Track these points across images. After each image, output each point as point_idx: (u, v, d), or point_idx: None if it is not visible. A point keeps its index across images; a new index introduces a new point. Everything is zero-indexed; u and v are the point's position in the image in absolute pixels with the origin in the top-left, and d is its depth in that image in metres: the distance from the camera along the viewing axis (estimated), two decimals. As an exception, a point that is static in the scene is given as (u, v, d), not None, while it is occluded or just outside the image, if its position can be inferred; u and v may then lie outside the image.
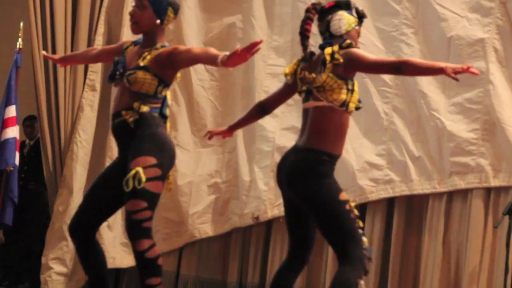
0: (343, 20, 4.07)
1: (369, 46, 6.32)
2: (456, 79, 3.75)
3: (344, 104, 3.93)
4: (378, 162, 6.19)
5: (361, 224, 3.90)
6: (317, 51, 4.10)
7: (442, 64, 3.77)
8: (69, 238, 6.83)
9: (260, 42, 3.70)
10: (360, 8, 4.20)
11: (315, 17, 4.09)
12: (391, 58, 3.85)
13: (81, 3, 7.15)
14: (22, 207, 7.35)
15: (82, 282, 6.94)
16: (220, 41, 7.10)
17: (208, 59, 3.94)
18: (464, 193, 5.82)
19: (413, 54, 6.14)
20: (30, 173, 7.68)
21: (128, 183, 3.89)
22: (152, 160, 3.94)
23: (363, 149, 6.24)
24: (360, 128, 6.31)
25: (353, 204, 3.90)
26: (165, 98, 4.15)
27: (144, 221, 3.88)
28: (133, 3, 4.22)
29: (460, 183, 5.81)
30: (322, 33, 4.12)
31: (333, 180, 3.92)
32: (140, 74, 4.06)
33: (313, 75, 3.94)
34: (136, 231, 3.87)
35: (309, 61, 4.05)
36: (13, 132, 6.54)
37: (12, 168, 6.49)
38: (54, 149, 7.06)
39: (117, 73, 4.14)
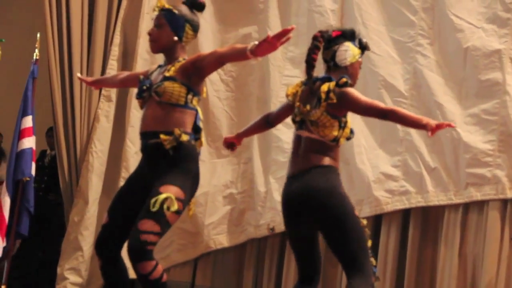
0: (349, 51, 4.11)
1: (385, 57, 6.32)
2: (430, 135, 3.81)
3: (335, 139, 4.00)
4: (393, 173, 6.18)
5: (369, 243, 3.96)
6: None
7: (424, 121, 3.83)
8: (84, 248, 6.91)
9: (291, 29, 3.66)
10: (364, 40, 4.22)
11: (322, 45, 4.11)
12: (381, 104, 3.94)
13: (97, 14, 7.19)
14: (42, 217, 7.37)
15: (97, 293, 6.97)
16: (235, 52, 7.12)
17: (236, 54, 3.89)
18: (480, 205, 5.79)
19: (429, 65, 6.14)
20: (50, 184, 7.71)
21: (156, 203, 3.84)
22: (182, 195, 3.91)
23: (378, 160, 6.23)
24: (375, 139, 6.30)
25: (365, 222, 3.97)
26: (196, 110, 4.11)
27: (150, 244, 3.83)
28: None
29: (476, 195, 5.79)
30: (326, 61, 4.16)
31: (347, 195, 3.97)
32: (167, 84, 4.03)
33: (308, 107, 4.00)
34: (140, 252, 3.81)
35: (311, 87, 4.08)
36: (29, 142, 6.54)
37: (28, 179, 6.50)
38: (70, 160, 7.09)
39: (144, 87, 4.10)
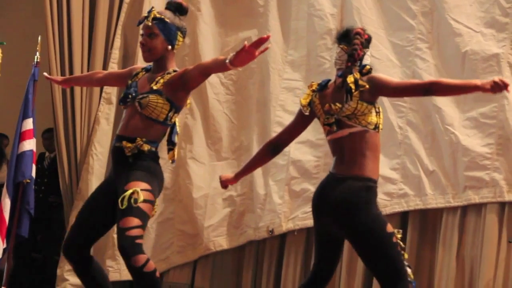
0: (368, 57, 4.13)
1: (384, 61, 6.35)
2: (502, 91, 3.69)
3: (376, 126, 3.98)
4: (392, 176, 6.21)
5: (406, 256, 3.92)
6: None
7: (478, 82, 3.74)
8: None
9: (268, 38, 3.71)
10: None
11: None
12: (416, 80, 3.94)
13: (98, 17, 7.22)
14: (42, 219, 7.39)
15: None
16: (235, 55, 7.15)
17: (218, 65, 3.97)
18: (478, 208, 5.82)
19: (428, 69, 6.17)
20: (50, 186, 7.73)
21: (123, 201, 3.93)
22: (147, 186, 4.01)
23: (377, 163, 6.25)
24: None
25: (399, 236, 3.92)
26: (174, 125, 4.20)
27: (137, 238, 3.90)
28: (141, 32, 4.24)
29: (474, 198, 5.82)
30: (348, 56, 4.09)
31: (380, 211, 3.93)
32: (153, 98, 4.09)
33: (338, 105, 3.97)
34: (131, 247, 3.88)
35: (325, 90, 4.08)
36: (30, 144, 6.57)
37: (28, 181, 6.53)
38: (70, 162, 7.11)
39: (130, 96, 4.16)
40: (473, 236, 5.82)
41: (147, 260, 3.90)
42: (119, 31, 7.25)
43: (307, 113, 4.17)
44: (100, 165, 7.10)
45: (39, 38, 6.68)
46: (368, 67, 4.04)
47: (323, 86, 4.12)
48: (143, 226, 3.94)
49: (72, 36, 7.11)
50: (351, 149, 3.95)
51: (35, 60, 6.65)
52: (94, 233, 4.17)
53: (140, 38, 4.26)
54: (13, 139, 6.66)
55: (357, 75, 3.98)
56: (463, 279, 5.82)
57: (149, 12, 4.25)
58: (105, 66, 7.20)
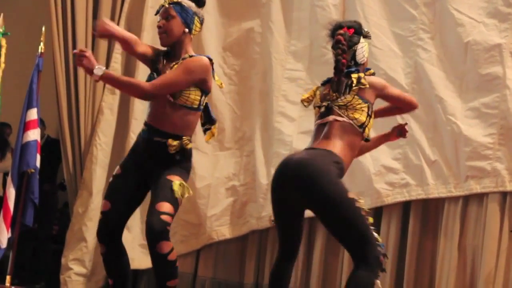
0: (364, 47, 4.18)
1: (386, 51, 6.37)
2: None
3: (363, 126, 4.00)
4: (394, 166, 6.23)
5: (371, 220, 3.86)
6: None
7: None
8: (88, 239, 6.98)
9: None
10: (366, 29, 4.25)
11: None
12: (410, 97, 4.20)
13: (102, 8, 7.24)
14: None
15: (101, 283, 7.03)
16: (238, 45, 7.17)
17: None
18: (480, 197, 5.84)
19: (430, 59, 6.18)
20: (44, 174, 7.72)
21: (173, 187, 3.97)
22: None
23: (379, 153, 6.26)
24: (376, 132, 6.31)
25: (361, 201, 3.85)
26: (206, 106, 4.23)
27: (168, 224, 3.92)
28: (159, 18, 4.21)
29: (476, 187, 5.84)
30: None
31: (341, 182, 3.90)
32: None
33: (336, 94, 4.03)
34: (161, 232, 3.88)
35: (338, 79, 4.09)
36: (34, 134, 6.59)
37: (33, 170, 6.56)
38: (74, 152, 7.15)
39: None
40: (475, 225, 5.84)
41: (172, 249, 3.92)
42: (123, 21, 7.28)
43: (307, 107, 4.27)
44: (104, 155, 7.14)
45: (43, 28, 6.70)
46: (372, 71, 4.16)
47: (326, 82, 4.19)
48: (173, 217, 3.97)
49: (76, 27, 7.14)
50: (330, 132, 3.99)
51: (39, 50, 6.67)
52: (125, 215, 4.15)
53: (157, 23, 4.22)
54: (17, 129, 6.67)
55: (362, 75, 4.05)
56: (464, 269, 5.84)
57: None
58: (108, 57, 7.24)
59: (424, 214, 6.14)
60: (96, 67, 3.93)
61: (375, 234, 3.84)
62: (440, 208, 6.06)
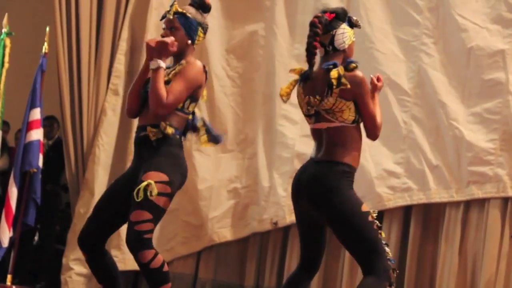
0: (346, 33, 4.04)
1: (390, 56, 6.38)
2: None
3: (355, 120, 3.96)
4: (396, 170, 6.24)
5: (383, 235, 3.90)
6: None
7: None
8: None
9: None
10: (354, 18, 4.12)
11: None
12: (379, 118, 4.00)
13: (106, 9, 7.25)
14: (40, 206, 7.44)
15: (102, 284, 7.04)
16: (242, 48, 7.19)
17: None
18: (481, 202, 5.85)
19: (433, 64, 6.20)
20: (49, 174, 7.73)
21: (139, 193, 3.91)
22: (164, 177, 3.97)
23: (381, 157, 6.28)
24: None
25: (374, 215, 3.90)
26: (193, 113, 4.19)
27: (145, 232, 3.89)
28: (163, 25, 4.22)
29: (478, 193, 5.85)
30: (324, 45, 4.03)
31: (353, 192, 3.92)
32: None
33: (318, 98, 3.95)
34: (137, 242, 3.88)
35: (316, 76, 4.00)
36: (37, 134, 6.62)
37: (35, 170, 6.57)
38: (76, 152, 7.16)
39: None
40: (476, 231, 5.85)
41: (154, 255, 3.89)
42: (126, 22, 7.28)
43: (285, 102, 4.22)
44: (106, 155, 7.14)
45: (47, 28, 6.72)
46: (353, 65, 3.97)
47: (306, 76, 4.06)
48: (153, 220, 3.92)
49: (80, 27, 7.14)
50: (328, 141, 3.95)
51: (43, 50, 6.70)
52: (111, 225, 4.13)
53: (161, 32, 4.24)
54: (17, 128, 6.69)
55: (342, 71, 3.92)
56: (465, 274, 5.85)
57: (171, 6, 4.25)
58: (112, 57, 7.24)
59: (425, 218, 6.15)
60: (159, 60, 3.99)
61: (387, 249, 3.86)
62: (441, 213, 6.07)
